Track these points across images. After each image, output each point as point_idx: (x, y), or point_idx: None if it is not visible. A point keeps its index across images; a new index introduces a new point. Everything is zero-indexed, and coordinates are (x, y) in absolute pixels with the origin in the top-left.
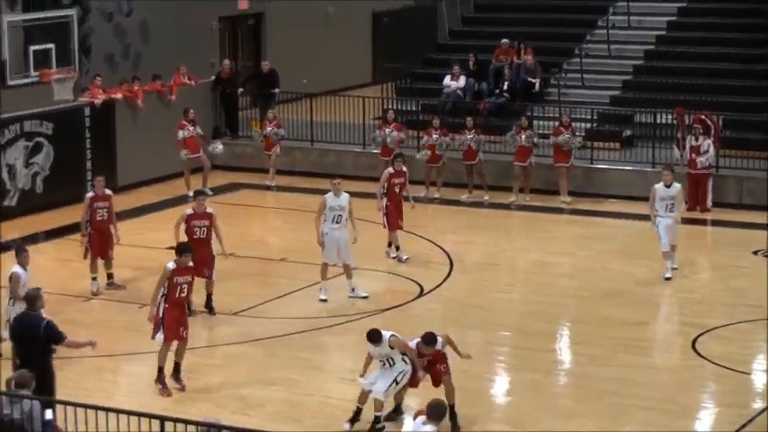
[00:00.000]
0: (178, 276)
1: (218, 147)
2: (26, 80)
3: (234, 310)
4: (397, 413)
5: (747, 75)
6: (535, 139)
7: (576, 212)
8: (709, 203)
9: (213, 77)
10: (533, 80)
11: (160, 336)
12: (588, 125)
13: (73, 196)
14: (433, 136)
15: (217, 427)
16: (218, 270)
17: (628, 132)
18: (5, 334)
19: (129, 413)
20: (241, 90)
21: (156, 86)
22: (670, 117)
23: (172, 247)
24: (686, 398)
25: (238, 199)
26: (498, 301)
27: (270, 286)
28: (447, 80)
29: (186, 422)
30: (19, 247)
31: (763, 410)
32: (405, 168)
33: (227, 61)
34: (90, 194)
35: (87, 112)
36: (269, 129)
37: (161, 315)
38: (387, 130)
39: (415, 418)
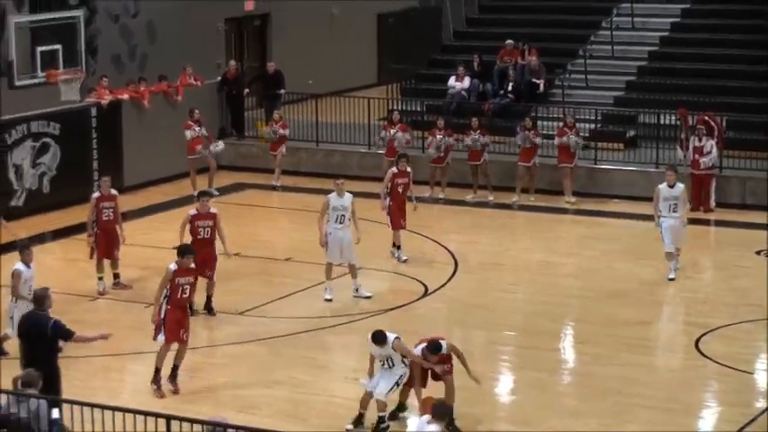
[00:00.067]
0: (180, 278)
1: (219, 145)
2: (33, 81)
3: (240, 310)
4: (400, 410)
5: (751, 76)
6: (538, 140)
7: (579, 213)
8: (713, 204)
9: (219, 78)
10: (538, 81)
11: (161, 337)
12: (592, 126)
13: (80, 196)
14: (437, 137)
15: (222, 427)
16: (222, 270)
17: (631, 133)
18: (9, 332)
19: (136, 412)
20: (247, 91)
21: (162, 87)
22: (673, 118)
23: (177, 248)
24: (689, 397)
25: (244, 199)
26: (502, 301)
27: (275, 286)
28: (452, 81)
29: (192, 421)
30: (23, 245)
31: (765, 410)
32: (408, 169)
33: (232, 62)
34: (96, 194)
35: (94, 112)
36: (274, 128)
37: (162, 316)
38: (392, 130)
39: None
